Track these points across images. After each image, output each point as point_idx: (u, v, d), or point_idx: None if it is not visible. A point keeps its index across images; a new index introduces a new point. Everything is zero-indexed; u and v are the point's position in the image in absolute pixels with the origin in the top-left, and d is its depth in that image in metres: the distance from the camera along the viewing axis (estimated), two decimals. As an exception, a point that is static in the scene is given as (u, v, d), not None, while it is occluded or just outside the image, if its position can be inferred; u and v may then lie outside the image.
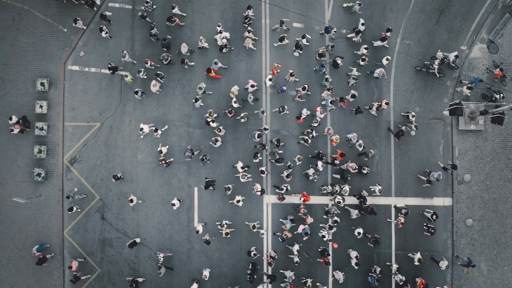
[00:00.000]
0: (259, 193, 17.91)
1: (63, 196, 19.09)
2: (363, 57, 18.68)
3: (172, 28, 19.18)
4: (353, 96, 18.46)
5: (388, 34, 18.71)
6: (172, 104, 19.33)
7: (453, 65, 19.36)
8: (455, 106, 18.03)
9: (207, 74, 18.55)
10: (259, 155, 18.20)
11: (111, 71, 18.18)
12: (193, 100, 18.46)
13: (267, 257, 18.00)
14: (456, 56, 18.89)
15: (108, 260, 19.05)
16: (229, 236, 18.36)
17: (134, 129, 19.26)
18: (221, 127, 18.13)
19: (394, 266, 18.48)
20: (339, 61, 18.57)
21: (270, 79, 18.15)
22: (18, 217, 19.18)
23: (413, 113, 18.84)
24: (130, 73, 18.87)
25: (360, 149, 18.41)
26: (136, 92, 18.44)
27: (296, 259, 18.04)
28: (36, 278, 18.92)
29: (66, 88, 19.30)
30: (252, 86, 18.19)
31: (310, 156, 19.14)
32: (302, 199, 17.99)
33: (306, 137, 18.37)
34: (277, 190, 18.61)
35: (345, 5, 19.61)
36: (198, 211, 19.12)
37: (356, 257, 17.91)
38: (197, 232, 17.77)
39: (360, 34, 18.88)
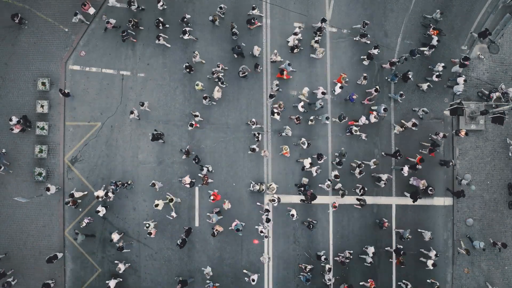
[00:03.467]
0: (188, 186, 17.91)
1: (64, 195, 19.09)
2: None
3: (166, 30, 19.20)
4: (414, 124, 18.68)
5: (466, 62, 18.87)
6: (173, 104, 19.34)
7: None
8: (455, 106, 18.07)
9: (279, 76, 18.72)
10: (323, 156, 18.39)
11: (188, 70, 18.33)
12: (268, 97, 18.60)
13: (341, 257, 18.23)
14: None
15: (109, 260, 19.04)
16: (153, 236, 18.14)
17: (135, 128, 19.27)
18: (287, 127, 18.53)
19: (327, 266, 18.22)
20: (410, 75, 18.83)
21: (341, 87, 18.41)
22: (19, 217, 19.16)
23: (357, 126, 18.82)
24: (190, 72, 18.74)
25: (304, 146, 18.35)
26: (205, 98, 18.29)
27: (369, 259, 18.32)
28: (36, 277, 18.91)
29: (67, 88, 19.28)
30: (323, 93, 18.22)
31: (383, 153, 19.48)
32: (212, 198, 17.86)
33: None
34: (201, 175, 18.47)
35: (424, 15, 19.94)
36: (199, 210, 19.13)
37: (374, 253, 18.31)
38: (111, 241, 17.97)
39: (433, 49, 19.08)
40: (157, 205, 17.78)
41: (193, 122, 18.42)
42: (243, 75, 18.54)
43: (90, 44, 19.42)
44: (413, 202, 18.29)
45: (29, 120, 18.86)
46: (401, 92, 19.00)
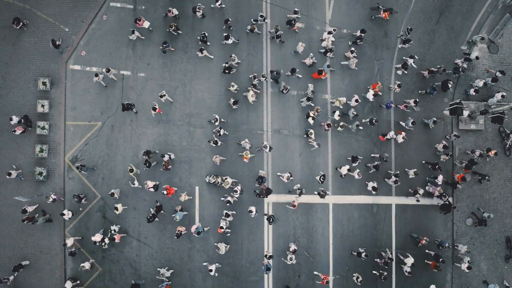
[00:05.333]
0: (152, 190, 17.69)
1: (64, 195, 19.13)
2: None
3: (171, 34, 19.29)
4: (444, 146, 18.68)
5: (500, 74, 18.95)
6: (173, 103, 19.38)
7: None
8: (455, 105, 18.11)
9: (316, 76, 18.76)
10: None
11: (227, 71, 18.27)
12: (305, 99, 18.77)
13: (384, 259, 18.26)
14: None
15: (109, 259, 19.08)
16: (119, 241, 18.20)
17: (135, 128, 19.31)
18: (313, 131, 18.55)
19: (293, 246, 18.20)
20: (450, 84, 18.87)
21: (374, 94, 18.47)
22: (19, 216, 19.13)
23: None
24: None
25: (266, 150, 18.33)
26: (235, 103, 18.47)
27: (408, 269, 18.00)
28: (37, 277, 18.96)
29: (68, 88, 19.34)
30: (356, 101, 18.22)
31: (424, 162, 19.56)
32: (166, 192, 17.70)
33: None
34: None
35: (471, 39, 20.12)
36: (199, 210, 19.16)
37: (413, 264, 18.13)
38: (65, 245, 17.96)
39: (469, 62, 19.22)
40: (116, 209, 17.83)
41: (156, 107, 17.95)
42: (286, 91, 18.41)
43: (90, 44, 19.46)
44: (444, 214, 18.76)
45: (30, 120, 18.90)
46: (434, 119, 18.91)
